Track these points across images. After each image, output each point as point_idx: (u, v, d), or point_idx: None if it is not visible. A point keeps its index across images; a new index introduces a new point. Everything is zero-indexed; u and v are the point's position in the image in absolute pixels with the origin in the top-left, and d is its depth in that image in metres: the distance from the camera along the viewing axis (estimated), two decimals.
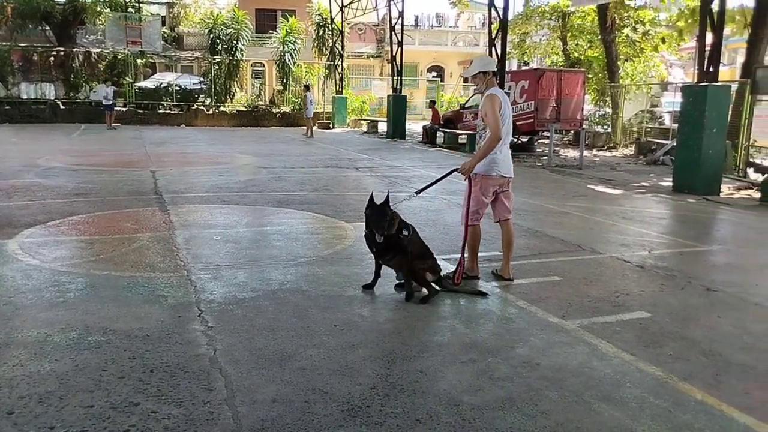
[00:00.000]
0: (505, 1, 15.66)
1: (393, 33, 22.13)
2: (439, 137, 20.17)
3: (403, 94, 22.55)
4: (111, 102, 22.26)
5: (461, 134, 18.96)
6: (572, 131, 20.42)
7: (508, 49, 18.48)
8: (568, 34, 24.54)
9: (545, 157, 15.68)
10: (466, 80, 4.97)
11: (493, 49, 16.00)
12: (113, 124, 22.23)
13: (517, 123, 17.98)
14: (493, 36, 16.00)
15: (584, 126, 19.37)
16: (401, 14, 21.96)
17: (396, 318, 4.09)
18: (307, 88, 22.84)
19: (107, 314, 3.97)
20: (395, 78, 22.20)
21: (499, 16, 15.82)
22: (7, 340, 3.53)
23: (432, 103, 23.24)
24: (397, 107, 21.96)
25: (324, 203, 8.33)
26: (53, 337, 3.59)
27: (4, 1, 26.10)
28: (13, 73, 26.09)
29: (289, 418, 2.76)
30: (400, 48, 21.74)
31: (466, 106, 20.53)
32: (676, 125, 12.74)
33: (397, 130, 21.69)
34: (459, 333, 3.88)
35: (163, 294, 4.42)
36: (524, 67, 28.05)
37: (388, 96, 23.06)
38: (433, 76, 37.89)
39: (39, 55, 26.70)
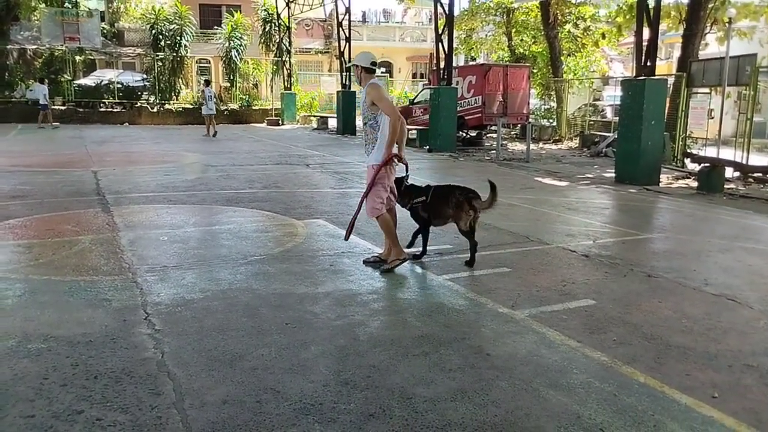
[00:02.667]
0: None
1: (340, 29, 22.05)
2: None
3: (352, 90, 22.49)
4: (47, 101, 21.52)
5: (411, 129, 19.05)
6: (519, 125, 20.84)
7: (455, 45, 18.68)
8: (513, 30, 24.99)
9: (493, 151, 15.94)
10: (358, 71, 4.91)
11: (440, 44, 16.12)
12: (53, 123, 21.42)
13: (466, 117, 18.27)
14: (440, 31, 16.12)
15: (530, 120, 19.78)
16: (348, 10, 21.88)
17: (348, 314, 4.08)
18: (207, 83, 21.62)
19: (48, 320, 3.83)
20: (344, 74, 22.13)
21: (445, 11, 15.96)
22: None
23: None
24: (347, 103, 21.90)
25: (274, 201, 8.24)
26: None
27: None
28: None
29: (241, 419, 2.73)
30: (348, 44, 21.67)
31: (416, 101, 20.65)
32: (617, 118, 13.16)
33: (347, 126, 21.65)
34: (411, 326, 3.91)
35: (107, 297, 4.28)
36: (471, 63, 28.41)
37: (338, 92, 22.97)
38: (382, 72, 37.93)
39: None
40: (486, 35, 28.00)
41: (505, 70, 19.01)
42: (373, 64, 5.03)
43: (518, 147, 18.11)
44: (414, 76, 38.89)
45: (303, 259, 5.40)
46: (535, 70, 22.53)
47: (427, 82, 30.31)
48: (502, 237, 6.45)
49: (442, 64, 16.27)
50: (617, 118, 13.74)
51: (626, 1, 18.07)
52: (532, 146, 16.02)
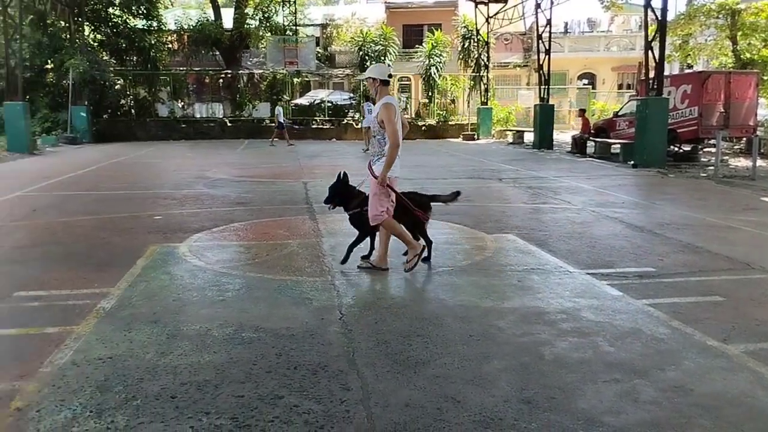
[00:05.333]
0: (663, 1, 14.63)
1: (540, 41, 21.59)
2: (590, 147, 19.27)
3: (551, 103, 21.87)
4: (283, 122, 23.85)
5: (614, 143, 17.96)
6: (744, 138, 18.53)
7: (669, 52, 17.24)
8: (739, 33, 22.32)
9: (711, 167, 14.35)
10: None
11: (650, 52, 14.99)
12: (290, 142, 23.22)
13: (678, 130, 16.72)
14: (650, 39, 15.00)
15: (758, 132, 17.47)
16: (549, 22, 21.34)
17: (534, 332, 3.97)
18: (367, 98, 21.76)
19: (259, 313, 4.30)
20: (542, 87, 21.62)
21: (656, 17, 14.80)
22: (174, 332, 3.94)
23: (582, 112, 22.26)
24: (544, 117, 21.34)
25: (465, 214, 8.31)
26: (213, 331, 3.95)
27: (181, 31, 29.30)
28: (189, 94, 29.20)
29: (421, 423, 2.80)
30: (547, 56, 21.14)
31: (620, 113, 19.41)
32: None
33: (544, 140, 21.05)
34: (602, 351, 3.68)
35: (309, 297, 4.68)
36: (687, 71, 25.96)
37: (535, 105, 22.49)
38: (584, 84, 36.32)
39: (210, 77, 29.60)
40: (706, 40, 25.40)
41: (728, 77, 17.04)
42: (389, 76, 5.29)
43: (742, 163, 16.08)
44: (620, 87, 36.61)
45: (490, 273, 5.38)
46: (765, 77, 19.86)
47: (634, 93, 28.33)
48: (716, 262, 5.78)
49: (651, 74, 15.10)
50: None
51: None
52: (760, 162, 14.11)
